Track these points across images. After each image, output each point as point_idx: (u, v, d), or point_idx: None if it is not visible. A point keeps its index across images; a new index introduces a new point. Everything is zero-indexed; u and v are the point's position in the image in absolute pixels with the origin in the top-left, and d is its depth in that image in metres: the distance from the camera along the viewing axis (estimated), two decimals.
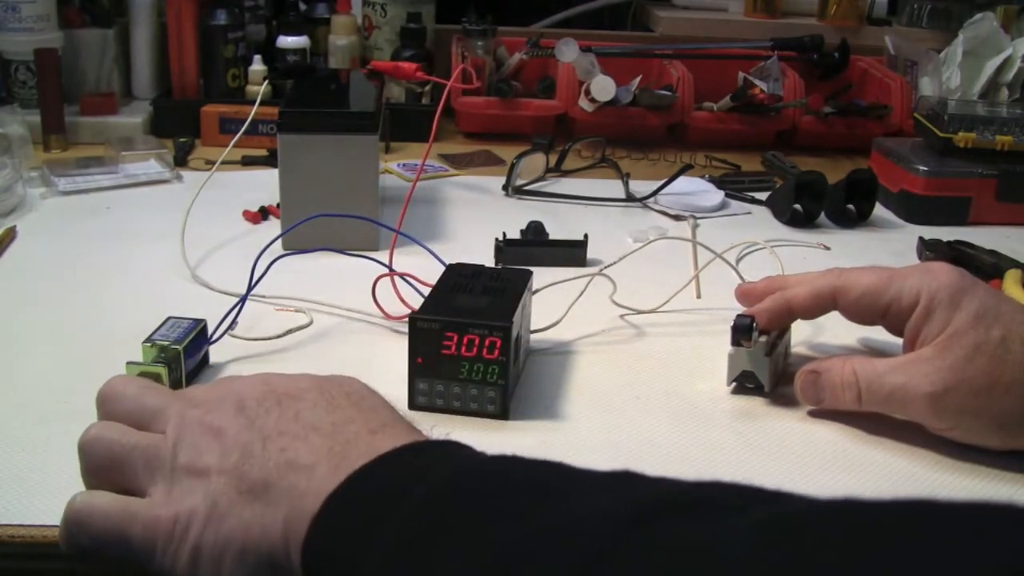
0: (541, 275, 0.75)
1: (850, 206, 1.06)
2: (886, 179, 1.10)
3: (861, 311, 0.66)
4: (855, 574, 0.28)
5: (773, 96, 1.27)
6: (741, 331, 0.66)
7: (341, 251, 0.79)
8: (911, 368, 0.60)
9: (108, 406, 0.50)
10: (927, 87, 1.31)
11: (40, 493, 0.55)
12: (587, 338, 0.76)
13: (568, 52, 1.26)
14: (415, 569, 0.37)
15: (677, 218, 1.05)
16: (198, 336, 0.67)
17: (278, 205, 0.93)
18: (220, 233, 0.95)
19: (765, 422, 0.66)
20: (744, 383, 0.68)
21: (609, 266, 0.81)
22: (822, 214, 1.05)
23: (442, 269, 0.72)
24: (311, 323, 0.77)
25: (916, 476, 0.60)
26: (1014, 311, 0.60)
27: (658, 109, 1.28)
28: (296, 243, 0.81)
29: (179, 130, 1.23)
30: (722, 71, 1.36)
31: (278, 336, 0.74)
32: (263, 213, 1.00)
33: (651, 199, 1.08)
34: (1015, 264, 0.90)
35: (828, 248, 0.98)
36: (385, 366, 0.69)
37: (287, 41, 1.34)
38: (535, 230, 0.94)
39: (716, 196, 1.09)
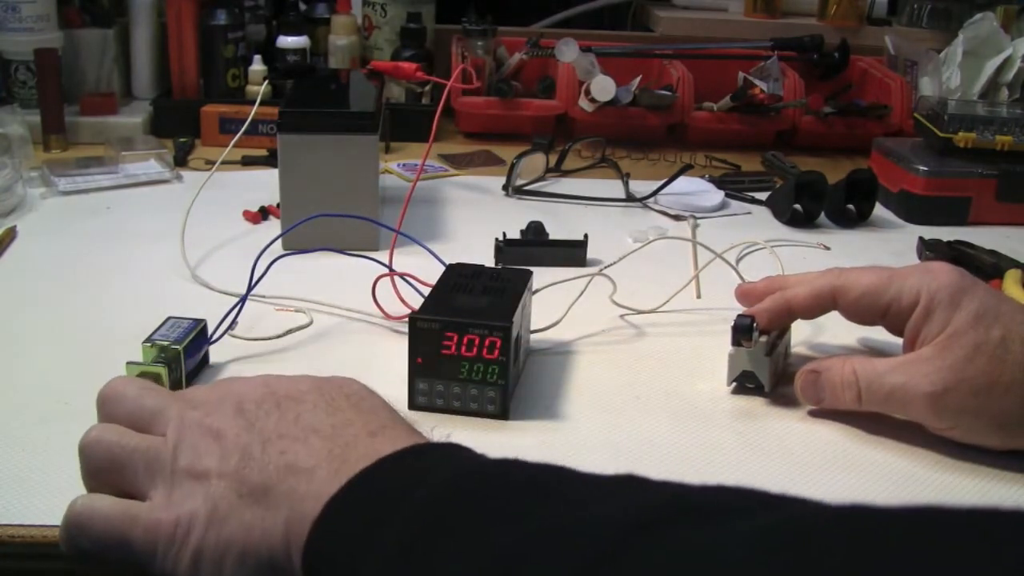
0: (541, 275, 0.75)
1: (850, 206, 1.06)
2: (886, 179, 1.10)
3: (861, 311, 0.66)
4: None
5: (773, 96, 1.27)
6: (741, 331, 0.66)
7: (341, 251, 0.79)
8: (911, 368, 0.60)
9: (108, 408, 0.50)
10: (927, 87, 1.31)
11: (40, 493, 0.55)
12: (587, 338, 0.76)
13: (568, 52, 1.26)
14: (416, 572, 0.37)
15: (677, 218, 1.05)
16: (198, 336, 0.67)
17: (278, 205, 0.93)
18: (220, 233, 0.95)
19: (765, 422, 0.66)
20: (744, 383, 0.68)
21: (609, 266, 0.81)
22: (822, 214, 1.05)
23: (442, 269, 0.72)
24: (311, 323, 0.77)
25: (916, 476, 0.60)
26: (1014, 311, 0.60)
27: (658, 109, 1.28)
28: (296, 243, 0.81)
29: (179, 130, 1.24)
30: (722, 71, 1.36)
31: (278, 336, 0.74)
32: (263, 213, 1.00)
33: (651, 199, 1.08)
34: (1015, 264, 0.90)
35: (828, 248, 0.98)
36: (385, 366, 0.69)
37: (287, 41, 1.34)
38: (535, 230, 0.94)
39: (716, 196, 1.09)
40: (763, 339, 0.68)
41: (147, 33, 1.32)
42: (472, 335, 0.62)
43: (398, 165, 1.17)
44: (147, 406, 0.49)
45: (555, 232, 0.95)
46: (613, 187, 1.10)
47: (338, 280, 0.83)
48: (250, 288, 0.74)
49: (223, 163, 1.01)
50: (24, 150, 1.09)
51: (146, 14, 1.31)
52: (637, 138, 1.28)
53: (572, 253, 0.91)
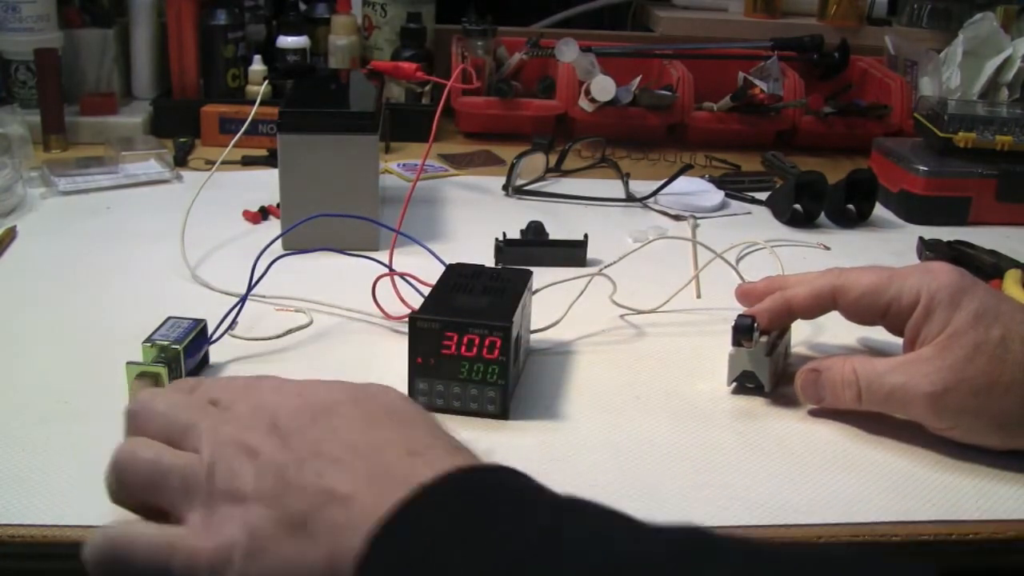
0: (541, 275, 0.75)
1: (850, 206, 1.06)
2: (886, 179, 1.10)
3: (861, 311, 0.66)
4: None
5: (773, 96, 1.27)
6: (742, 331, 0.66)
7: (341, 251, 0.79)
8: (911, 368, 0.60)
9: (138, 421, 0.49)
10: (927, 87, 1.31)
11: (40, 493, 0.55)
12: (587, 338, 0.76)
13: (568, 52, 1.26)
14: None
15: (677, 218, 1.05)
16: (198, 336, 0.67)
17: (278, 205, 0.93)
18: (220, 233, 0.95)
19: (765, 422, 0.66)
20: (744, 383, 0.68)
21: (609, 266, 0.81)
22: (822, 214, 1.05)
23: (442, 269, 0.72)
24: (311, 323, 0.77)
25: (916, 476, 0.60)
26: (1014, 311, 0.60)
27: (658, 109, 1.28)
28: (296, 243, 0.81)
29: (179, 130, 1.24)
30: (722, 71, 1.36)
31: (278, 336, 0.74)
32: (263, 213, 1.00)
33: (651, 199, 1.08)
34: (1015, 264, 0.90)
35: (828, 248, 0.98)
36: (385, 366, 0.69)
37: (287, 41, 1.34)
38: (535, 230, 0.94)
39: (716, 196, 1.09)
40: (763, 339, 0.68)
41: (147, 33, 1.32)
42: (472, 335, 0.62)
43: (398, 165, 1.17)
44: (179, 420, 0.47)
45: (555, 232, 0.95)
46: (613, 187, 1.10)
47: (338, 280, 0.83)
48: (250, 288, 0.74)
49: (223, 163, 1.01)
50: (24, 150, 1.09)
51: (146, 14, 1.31)
52: (637, 138, 1.28)
53: (572, 253, 0.91)
